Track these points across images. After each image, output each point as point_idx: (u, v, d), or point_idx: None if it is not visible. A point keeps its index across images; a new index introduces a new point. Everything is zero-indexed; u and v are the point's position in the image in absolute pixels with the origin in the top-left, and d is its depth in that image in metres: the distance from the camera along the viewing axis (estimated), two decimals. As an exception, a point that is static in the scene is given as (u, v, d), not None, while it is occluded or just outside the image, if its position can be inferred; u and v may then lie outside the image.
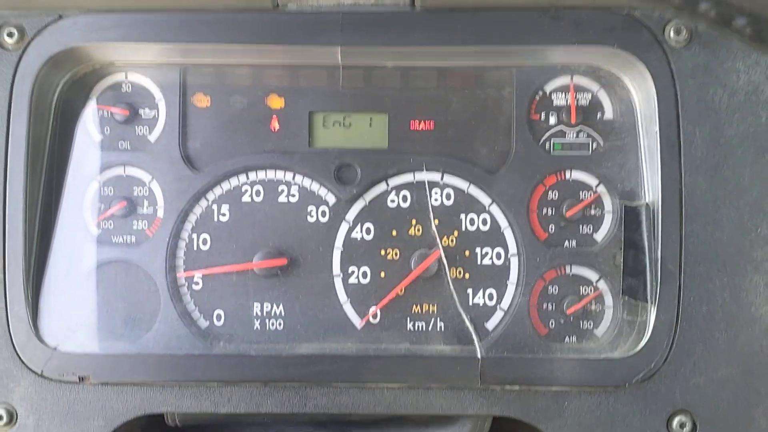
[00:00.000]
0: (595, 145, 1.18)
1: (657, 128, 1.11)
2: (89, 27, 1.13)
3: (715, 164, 1.11)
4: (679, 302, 1.10)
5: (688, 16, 1.06)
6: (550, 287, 1.17)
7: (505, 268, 1.18)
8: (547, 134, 1.19)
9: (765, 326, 1.09)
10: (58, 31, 1.13)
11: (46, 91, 1.16)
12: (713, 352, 1.09)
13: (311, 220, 1.19)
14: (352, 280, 1.18)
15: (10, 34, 1.13)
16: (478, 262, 1.18)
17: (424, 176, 1.19)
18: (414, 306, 1.18)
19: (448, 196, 1.19)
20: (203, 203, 1.19)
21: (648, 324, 1.11)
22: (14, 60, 1.13)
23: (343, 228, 1.19)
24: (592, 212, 1.18)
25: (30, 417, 1.11)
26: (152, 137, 1.20)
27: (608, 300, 1.17)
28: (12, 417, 1.10)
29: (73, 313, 1.16)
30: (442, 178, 1.19)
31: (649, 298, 1.12)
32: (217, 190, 1.19)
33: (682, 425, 1.09)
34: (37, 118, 1.14)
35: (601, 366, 1.11)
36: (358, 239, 1.18)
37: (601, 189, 1.18)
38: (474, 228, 1.18)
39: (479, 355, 1.11)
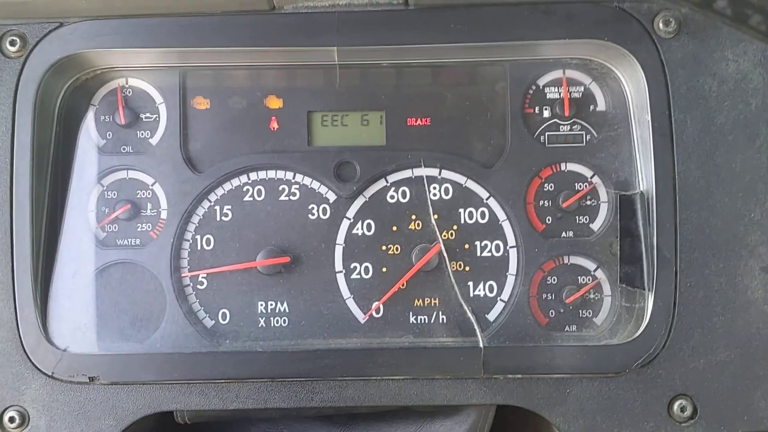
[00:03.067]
0: (588, 137, 1.21)
1: (649, 118, 1.13)
2: (90, 33, 1.15)
3: (707, 151, 1.13)
4: (676, 288, 1.11)
5: (672, 2, 1.08)
6: (548, 277, 1.19)
7: (504, 259, 1.20)
8: (542, 127, 1.21)
9: (761, 310, 1.11)
10: (60, 39, 1.15)
11: (49, 97, 1.17)
12: (711, 337, 1.11)
13: (312, 217, 1.21)
14: (355, 275, 1.20)
15: (12, 42, 1.14)
16: (478, 255, 1.20)
17: (423, 172, 1.21)
18: (416, 300, 1.20)
19: (447, 191, 1.21)
20: (206, 204, 1.20)
21: (646, 310, 1.13)
22: (17, 68, 1.14)
23: (344, 225, 1.20)
24: (588, 203, 1.20)
25: (42, 418, 1.12)
26: (154, 140, 1.22)
27: (606, 288, 1.19)
28: (24, 419, 1.12)
29: (82, 315, 1.18)
30: (440, 174, 1.21)
31: (646, 285, 1.14)
32: (219, 191, 1.21)
33: (682, 409, 1.11)
34: (41, 125, 1.16)
35: (602, 353, 1.12)
36: (360, 235, 1.20)
37: (596, 180, 1.20)
38: (473, 221, 1.20)
39: (481, 345, 1.13)
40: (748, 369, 1.11)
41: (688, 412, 1.11)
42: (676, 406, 1.11)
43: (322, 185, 1.21)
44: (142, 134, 1.22)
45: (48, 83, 1.16)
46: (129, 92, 1.22)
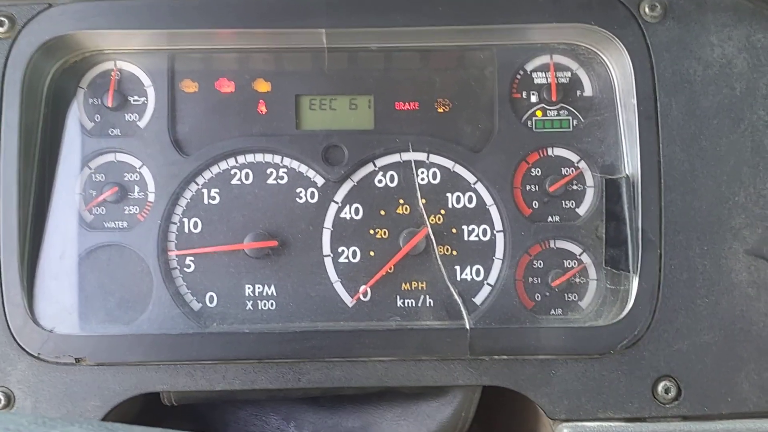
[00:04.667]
0: (575, 122, 1.21)
1: (634, 102, 1.14)
2: (79, 15, 1.15)
3: (692, 135, 1.14)
4: (660, 270, 1.12)
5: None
6: (535, 261, 1.20)
7: (491, 243, 1.20)
8: (529, 112, 1.22)
9: (745, 292, 1.12)
10: (48, 20, 1.15)
11: (37, 79, 1.17)
12: (695, 319, 1.12)
13: (300, 201, 1.21)
14: (342, 259, 1.20)
15: (1, 23, 1.14)
16: (465, 239, 1.20)
17: (411, 156, 1.21)
18: (403, 283, 1.20)
19: (435, 176, 1.21)
20: (193, 187, 1.20)
21: (631, 292, 1.14)
22: (5, 49, 1.14)
23: (332, 208, 1.21)
24: (575, 187, 1.21)
25: (27, 399, 1.12)
26: (142, 123, 1.22)
27: (592, 272, 1.20)
28: (9, 400, 1.12)
29: (68, 297, 1.18)
30: (428, 158, 1.21)
31: (631, 267, 1.15)
32: (207, 174, 1.21)
33: (666, 390, 1.12)
34: (28, 106, 1.16)
35: (587, 334, 1.13)
36: (347, 219, 1.21)
37: (583, 164, 1.21)
38: (460, 206, 1.21)
39: (468, 327, 1.13)
40: (731, 351, 1.12)
41: (672, 393, 1.12)
42: (660, 387, 1.12)
43: (309, 169, 1.21)
44: (130, 117, 1.22)
45: (36, 64, 1.16)
46: (117, 75, 1.22)
